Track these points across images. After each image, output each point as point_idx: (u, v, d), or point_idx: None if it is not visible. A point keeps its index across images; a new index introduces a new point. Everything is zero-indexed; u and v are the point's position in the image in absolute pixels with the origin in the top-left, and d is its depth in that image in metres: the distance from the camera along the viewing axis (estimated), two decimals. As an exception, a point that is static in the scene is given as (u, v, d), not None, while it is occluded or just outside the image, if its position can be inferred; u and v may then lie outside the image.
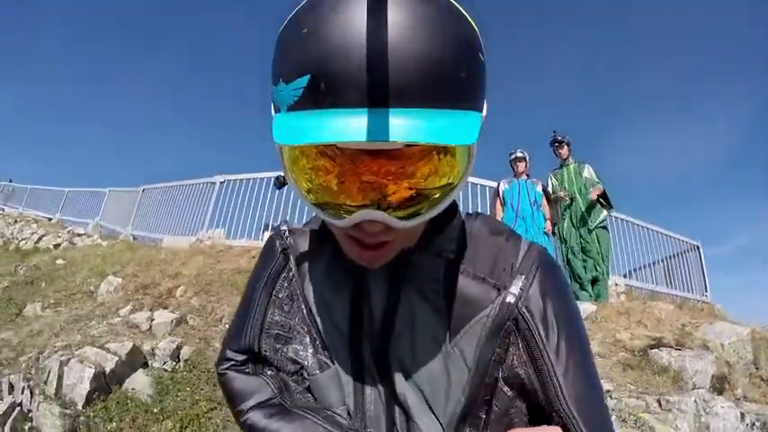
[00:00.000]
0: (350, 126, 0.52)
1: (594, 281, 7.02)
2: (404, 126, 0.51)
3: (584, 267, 7.04)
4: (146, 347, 4.60)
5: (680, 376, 4.88)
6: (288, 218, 9.24)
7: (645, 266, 10.54)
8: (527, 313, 0.77)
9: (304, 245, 0.90)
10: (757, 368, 5.76)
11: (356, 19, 0.53)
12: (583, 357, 0.77)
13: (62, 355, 4.14)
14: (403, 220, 0.62)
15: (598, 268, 6.98)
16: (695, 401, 4.28)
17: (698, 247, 11.48)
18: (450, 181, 0.63)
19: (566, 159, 7.08)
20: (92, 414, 3.81)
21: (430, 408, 0.77)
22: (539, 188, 6.65)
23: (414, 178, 0.62)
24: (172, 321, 5.10)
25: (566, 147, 7.07)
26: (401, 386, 0.78)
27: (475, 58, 0.59)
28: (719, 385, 4.97)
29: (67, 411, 3.70)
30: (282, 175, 0.70)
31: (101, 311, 5.38)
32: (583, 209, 6.99)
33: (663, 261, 11.02)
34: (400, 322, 0.78)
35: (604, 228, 7.08)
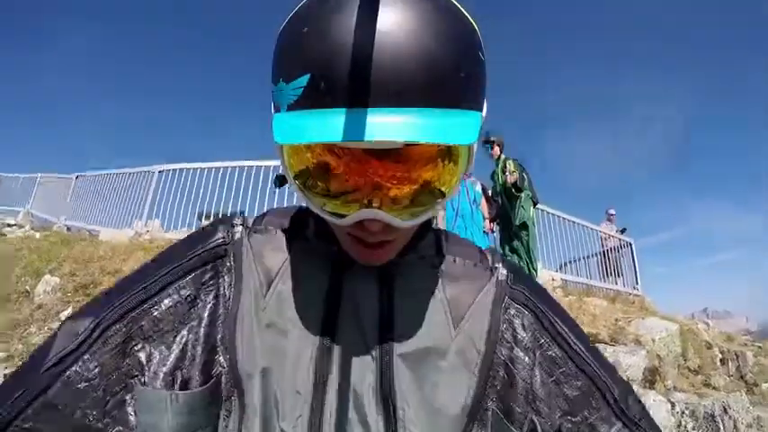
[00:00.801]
0: (350, 125, 0.52)
1: None
2: (404, 125, 0.52)
3: None
4: (91, 354, 4.45)
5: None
6: (228, 209, 9.23)
7: (579, 259, 11.11)
8: (521, 286, 0.82)
9: (262, 240, 0.81)
10: (686, 360, 6.22)
11: (356, 18, 0.53)
12: (572, 320, 0.83)
13: (5, 368, 3.96)
14: (404, 219, 0.63)
15: (521, 264, 7.22)
16: (629, 396, 4.57)
17: (630, 244, 12.17)
18: (451, 187, 0.64)
19: (498, 158, 7.25)
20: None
21: (431, 411, 0.73)
22: (478, 187, 6.83)
23: (417, 183, 0.63)
24: (116, 323, 4.97)
25: (496, 146, 7.23)
26: (400, 393, 0.72)
27: (475, 57, 0.59)
28: (651, 377, 5.34)
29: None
30: (280, 174, 0.70)
31: (40, 315, 5.15)
32: (507, 206, 7.19)
33: (597, 255, 11.66)
34: (400, 322, 0.75)
35: (527, 226, 7.25)
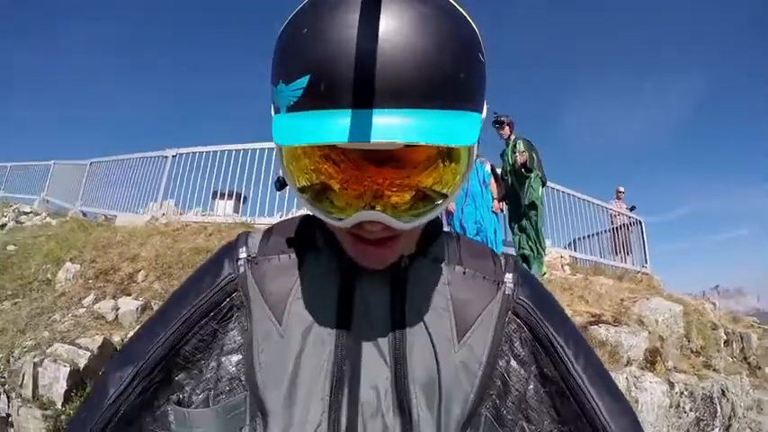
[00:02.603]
0: (349, 127, 0.51)
1: (524, 258, 7.22)
2: (404, 126, 0.52)
3: (519, 244, 7.31)
4: (115, 339, 4.62)
5: (616, 350, 5.28)
6: (243, 189, 9.35)
7: (589, 236, 11.07)
8: (525, 301, 0.82)
9: (267, 269, 0.81)
10: (688, 341, 6.27)
11: (356, 20, 0.53)
12: (579, 333, 0.83)
13: (34, 356, 4.13)
14: (405, 221, 0.63)
15: (530, 244, 7.24)
16: (627, 378, 4.69)
17: (640, 222, 12.09)
18: (452, 189, 0.64)
19: (508, 138, 7.17)
20: (72, 412, 3.82)
21: (438, 417, 0.75)
22: (487, 168, 6.81)
23: (417, 189, 0.63)
24: (137, 309, 5.13)
25: (507, 127, 7.14)
26: (415, 399, 0.75)
27: (475, 58, 0.59)
28: (652, 358, 5.40)
29: (48, 413, 3.74)
30: (281, 176, 0.70)
31: (63, 302, 5.31)
32: (517, 185, 7.15)
33: (606, 232, 11.62)
34: (412, 329, 0.76)
35: (536, 206, 7.21)
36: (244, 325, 0.80)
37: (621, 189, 12.71)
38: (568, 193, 10.67)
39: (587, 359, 0.79)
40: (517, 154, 6.91)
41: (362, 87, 0.52)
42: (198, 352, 0.81)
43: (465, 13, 0.60)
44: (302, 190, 0.65)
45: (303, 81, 0.54)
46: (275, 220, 8.57)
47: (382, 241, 0.67)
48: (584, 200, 11.02)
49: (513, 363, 0.80)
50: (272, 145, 8.78)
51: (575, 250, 10.42)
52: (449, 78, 0.55)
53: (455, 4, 0.59)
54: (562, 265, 8.96)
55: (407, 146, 0.59)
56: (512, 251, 7.55)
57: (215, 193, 9.97)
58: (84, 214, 10.99)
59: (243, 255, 0.83)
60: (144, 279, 5.92)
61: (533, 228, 7.22)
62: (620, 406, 0.77)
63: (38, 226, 8.77)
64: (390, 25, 0.53)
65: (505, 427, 0.79)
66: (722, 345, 6.88)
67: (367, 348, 0.75)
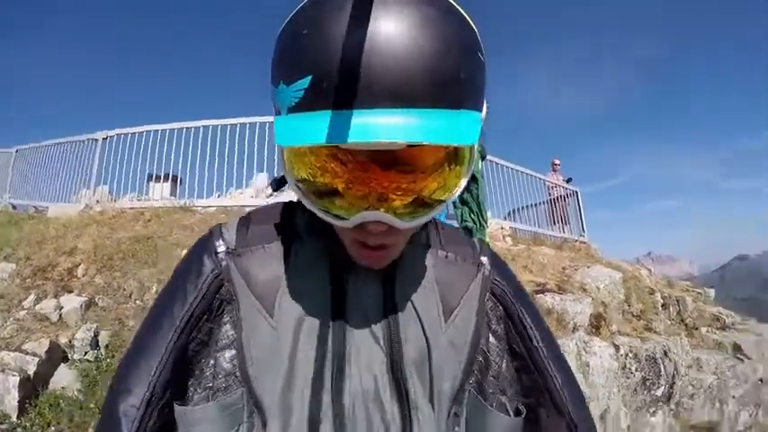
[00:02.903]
0: (351, 127, 0.51)
1: (467, 230, 7.40)
2: (404, 126, 0.52)
3: (462, 217, 7.46)
4: (62, 340, 4.44)
5: (562, 317, 5.56)
6: (179, 171, 9.08)
7: (527, 206, 11.44)
8: (500, 281, 0.88)
9: (252, 261, 0.80)
10: (629, 306, 6.61)
11: (357, 20, 0.53)
12: (541, 317, 0.90)
13: (-21, 365, 3.90)
14: (406, 220, 0.64)
15: (473, 217, 7.40)
16: (576, 343, 4.92)
17: (576, 193, 12.55)
18: (455, 192, 0.65)
19: None
20: (28, 424, 3.68)
21: (431, 394, 0.78)
22: None
23: (421, 194, 0.64)
24: (81, 306, 4.92)
25: None
26: (411, 378, 0.77)
27: (475, 58, 0.59)
28: (597, 323, 5.71)
29: (3, 426, 3.55)
30: (278, 177, 0.70)
31: (2, 305, 4.99)
32: None
33: (544, 203, 12.04)
34: (403, 312, 0.78)
35: (476, 179, 7.36)
36: (235, 319, 0.79)
37: (557, 161, 13.13)
38: (506, 166, 10.95)
39: (548, 338, 0.87)
40: None
41: (364, 87, 0.52)
42: (198, 354, 0.80)
43: (464, 13, 0.60)
44: (306, 190, 0.65)
45: (305, 82, 0.54)
46: (213, 201, 8.46)
47: (381, 245, 0.69)
48: (521, 172, 11.35)
49: (492, 339, 0.87)
50: (208, 122, 8.63)
51: (513, 221, 10.73)
52: (450, 78, 0.55)
53: (455, 5, 0.60)
54: (503, 236, 9.20)
55: (412, 147, 0.59)
56: (455, 224, 7.67)
57: (150, 176, 9.60)
58: (14, 207, 10.36)
59: (221, 248, 0.81)
60: (84, 273, 5.66)
61: (474, 200, 7.31)
62: (570, 379, 0.86)
63: (-37, 222, 8.17)
64: (392, 25, 0.53)
65: (487, 400, 0.84)
66: (660, 308, 7.33)
67: (362, 335, 0.76)
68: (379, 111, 0.52)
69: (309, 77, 0.54)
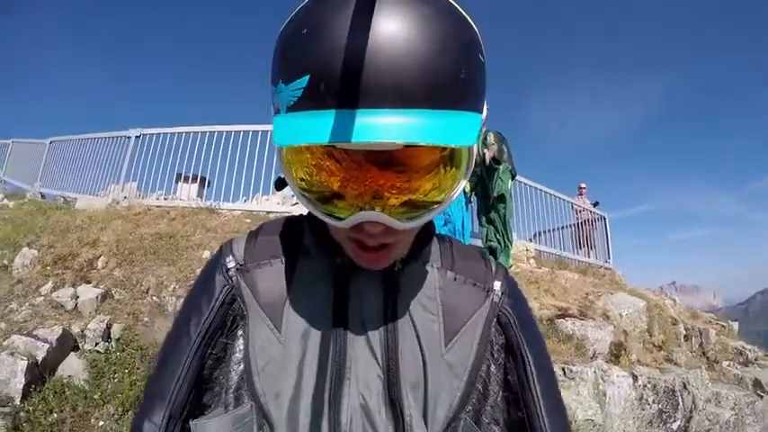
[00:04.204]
0: (350, 127, 0.51)
1: (491, 250, 7.33)
2: (403, 126, 0.52)
3: (487, 236, 7.38)
4: (75, 329, 4.46)
5: (582, 344, 5.43)
6: (207, 173, 9.23)
7: (553, 230, 11.28)
8: (508, 310, 0.85)
9: (259, 276, 0.82)
10: (651, 335, 6.45)
11: (356, 20, 0.53)
12: (545, 351, 0.88)
13: (-8, 350, 3.94)
14: (403, 221, 0.64)
15: (498, 237, 7.31)
16: (594, 371, 4.79)
17: (604, 218, 12.37)
18: (451, 193, 0.65)
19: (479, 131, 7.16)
20: (31, 409, 3.69)
21: (425, 417, 0.77)
22: None
23: (417, 193, 0.64)
24: (97, 297, 4.94)
25: None
26: (406, 399, 0.76)
27: (475, 59, 0.59)
28: (616, 351, 5.56)
29: (6, 410, 3.56)
30: (282, 176, 0.70)
31: (20, 290, 5.07)
32: (486, 177, 7.15)
33: (570, 227, 11.85)
34: (403, 331, 0.78)
35: (505, 198, 7.19)
36: (246, 333, 0.80)
37: (583, 185, 12.97)
38: (534, 187, 10.82)
39: (547, 378, 0.85)
40: (486, 148, 6.94)
41: (362, 87, 0.52)
42: (215, 370, 0.82)
43: (465, 14, 0.60)
44: (303, 189, 0.66)
45: (303, 81, 0.54)
46: (239, 205, 8.54)
47: (380, 246, 0.68)
48: (549, 194, 11.20)
49: (493, 367, 0.84)
50: (237, 128, 8.75)
51: (538, 243, 10.58)
52: (449, 79, 0.55)
53: (456, 5, 0.60)
54: (528, 258, 9.09)
55: (408, 147, 0.59)
56: (479, 243, 7.60)
57: (178, 176, 9.80)
58: (43, 196, 10.62)
59: (231, 264, 0.84)
60: (104, 266, 5.72)
61: (501, 220, 7.29)
62: (564, 424, 0.84)
63: (-7, 208, 8.37)
64: (391, 25, 0.53)
65: (481, 429, 0.81)
66: (682, 339, 7.15)
67: (361, 351, 0.77)
68: (376, 111, 0.52)
69: (307, 77, 0.54)
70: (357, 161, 0.61)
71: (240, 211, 8.12)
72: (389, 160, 0.61)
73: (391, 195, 0.63)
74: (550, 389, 0.85)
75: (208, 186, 9.79)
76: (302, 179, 0.65)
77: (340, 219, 0.64)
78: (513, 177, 7.33)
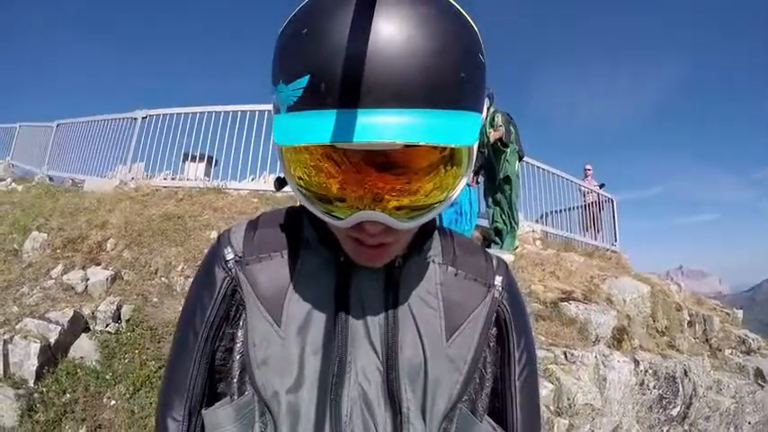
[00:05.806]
0: (350, 126, 0.51)
1: (497, 231, 7.34)
2: (403, 126, 0.51)
3: (493, 217, 7.39)
4: (86, 311, 4.55)
5: (585, 328, 5.42)
6: (214, 152, 9.25)
7: (560, 211, 11.16)
8: (506, 306, 0.87)
9: (259, 270, 0.83)
10: (654, 321, 6.45)
11: (356, 19, 0.53)
12: (533, 351, 0.91)
13: (4, 332, 4.03)
14: (403, 221, 0.64)
15: (504, 218, 7.31)
16: (596, 356, 4.83)
17: (612, 200, 12.22)
18: (451, 193, 0.65)
19: (487, 110, 7.08)
20: (44, 390, 3.77)
21: (423, 410, 0.78)
22: None
23: (417, 194, 0.64)
24: (107, 279, 5.04)
25: (486, 99, 7.10)
26: (405, 392, 0.77)
27: (475, 59, 0.59)
28: (619, 336, 5.56)
29: (20, 391, 3.65)
30: (282, 176, 0.70)
31: (31, 274, 5.15)
32: (493, 158, 7.22)
33: (577, 209, 11.73)
34: (404, 326, 0.78)
35: (511, 180, 7.27)
36: (246, 324, 0.81)
37: (589, 167, 12.77)
38: (542, 168, 10.70)
39: (527, 377, 0.89)
40: (492, 129, 6.92)
41: (362, 87, 0.52)
42: (226, 361, 0.85)
43: (465, 14, 0.60)
44: (303, 189, 0.66)
45: (303, 81, 0.55)
46: (247, 184, 8.52)
47: (379, 244, 0.69)
48: (556, 175, 11.06)
49: (489, 357, 0.87)
50: (245, 107, 8.71)
51: (545, 224, 10.49)
52: (449, 79, 0.55)
53: (455, 5, 0.60)
54: (534, 240, 9.06)
55: (408, 148, 0.59)
56: (485, 224, 7.62)
57: (185, 156, 9.86)
58: (51, 179, 10.66)
59: (230, 256, 0.84)
60: (113, 247, 5.77)
61: (507, 201, 7.29)
62: (534, 422, 0.89)
63: (3, 192, 8.40)
64: (391, 25, 0.53)
65: (477, 416, 0.84)
66: (686, 326, 7.13)
67: (361, 344, 0.78)
68: (377, 111, 0.52)
69: (308, 77, 0.54)
70: (355, 163, 0.61)
71: (247, 191, 8.12)
72: (388, 162, 0.61)
73: (392, 198, 0.63)
74: (528, 386, 0.89)
75: (215, 165, 9.77)
76: (301, 178, 0.65)
77: (339, 218, 0.64)
78: (520, 159, 7.31)
